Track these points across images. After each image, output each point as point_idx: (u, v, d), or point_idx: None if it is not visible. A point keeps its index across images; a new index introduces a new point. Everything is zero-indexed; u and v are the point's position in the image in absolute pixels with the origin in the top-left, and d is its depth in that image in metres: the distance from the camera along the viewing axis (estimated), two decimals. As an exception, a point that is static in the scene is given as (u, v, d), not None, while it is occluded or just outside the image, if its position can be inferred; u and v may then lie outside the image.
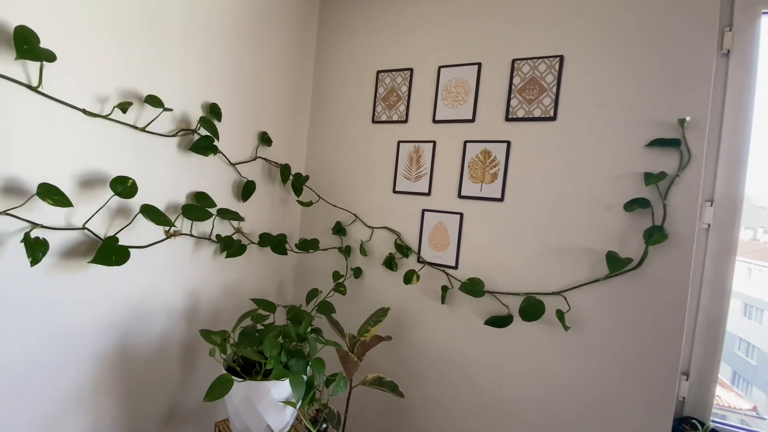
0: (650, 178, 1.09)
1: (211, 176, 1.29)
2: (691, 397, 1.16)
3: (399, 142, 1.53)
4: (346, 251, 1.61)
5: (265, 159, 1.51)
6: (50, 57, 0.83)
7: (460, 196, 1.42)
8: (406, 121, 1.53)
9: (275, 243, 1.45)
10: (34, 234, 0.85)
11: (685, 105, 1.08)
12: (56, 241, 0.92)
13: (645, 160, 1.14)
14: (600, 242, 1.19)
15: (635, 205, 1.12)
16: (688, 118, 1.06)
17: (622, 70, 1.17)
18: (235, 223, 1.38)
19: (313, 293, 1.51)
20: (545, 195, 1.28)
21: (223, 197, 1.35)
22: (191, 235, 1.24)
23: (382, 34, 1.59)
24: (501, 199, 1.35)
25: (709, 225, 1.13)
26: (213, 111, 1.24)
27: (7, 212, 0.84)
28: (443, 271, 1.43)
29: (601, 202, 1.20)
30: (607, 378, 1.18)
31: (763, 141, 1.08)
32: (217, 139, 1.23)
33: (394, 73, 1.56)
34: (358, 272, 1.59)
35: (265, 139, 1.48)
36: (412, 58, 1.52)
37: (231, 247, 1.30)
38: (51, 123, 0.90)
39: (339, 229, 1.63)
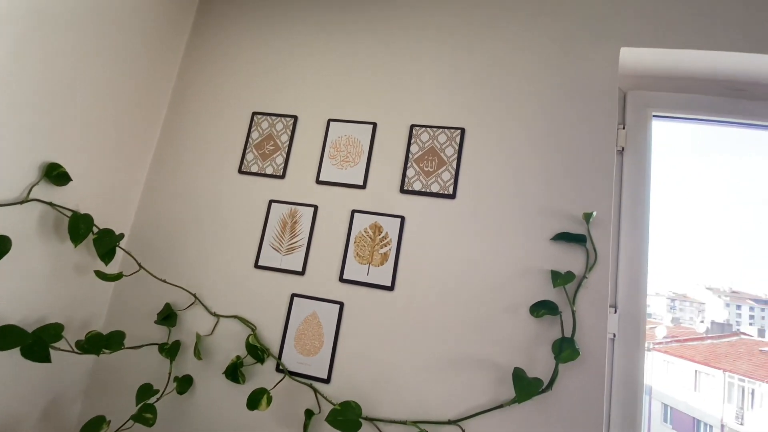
0: (558, 279, 0.92)
1: None
2: None
3: (271, 202, 1.17)
4: (171, 351, 1.08)
5: (49, 203, 0.98)
6: None
7: (341, 280, 1.08)
8: (283, 177, 1.19)
9: (28, 342, 0.86)
10: None
11: (589, 199, 0.99)
12: None
13: (551, 255, 0.98)
14: (505, 353, 0.95)
15: (543, 309, 0.93)
16: (594, 213, 0.96)
17: (527, 153, 1.06)
18: (-54, 308, 0.78)
19: (93, 426, 0.93)
20: (443, 288, 1.02)
21: None
22: None
23: (264, 72, 1.30)
24: (391, 288, 1.05)
25: (614, 335, 0.98)
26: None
27: None
28: (310, 386, 1.02)
29: (505, 301, 0.98)
30: None
31: (659, 238, 1.03)
32: None
33: (274, 117, 1.25)
34: (184, 385, 1.07)
35: (54, 174, 0.97)
36: (299, 104, 1.25)
37: None
38: None
39: (168, 316, 1.12)
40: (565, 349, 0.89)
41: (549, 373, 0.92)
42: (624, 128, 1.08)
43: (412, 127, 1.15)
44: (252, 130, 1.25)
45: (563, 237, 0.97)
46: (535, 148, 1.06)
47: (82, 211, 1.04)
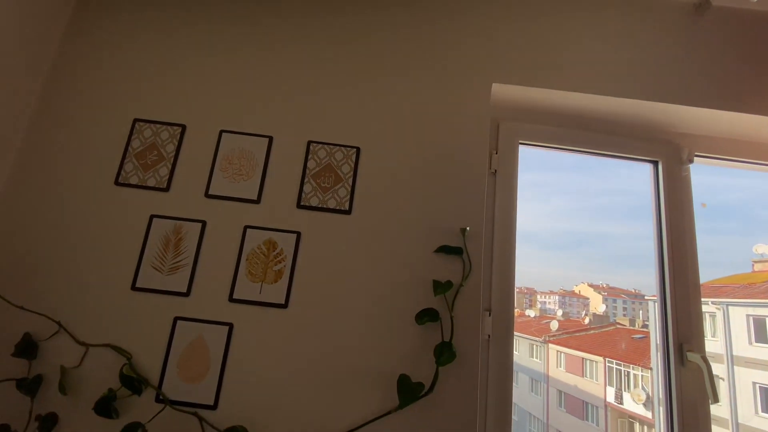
0: (438, 288, 1.01)
1: None
2: None
3: (152, 217, 1.09)
4: (31, 386, 0.94)
5: None
6: None
7: (231, 300, 1.04)
8: (167, 189, 1.11)
9: None
10: None
11: (466, 215, 1.09)
12: None
13: (434, 266, 1.06)
14: (393, 362, 1.01)
15: (425, 317, 1.00)
16: (468, 228, 1.06)
17: (414, 173, 1.14)
18: None
19: None
20: (336, 301, 1.05)
21: None
22: None
23: (148, 76, 1.20)
24: (285, 306, 1.04)
25: (489, 336, 1.10)
26: None
27: None
28: (195, 414, 0.96)
29: (393, 312, 1.04)
30: None
31: (523, 246, 1.18)
32: None
33: (159, 126, 1.16)
34: (48, 424, 0.94)
35: None
36: (187, 113, 1.17)
37: None
38: None
39: (26, 348, 0.98)
40: (444, 353, 0.97)
41: (431, 378, 0.99)
42: (497, 153, 1.22)
43: (309, 143, 1.16)
44: (133, 138, 1.14)
45: (444, 249, 1.05)
46: (420, 168, 1.14)
47: None
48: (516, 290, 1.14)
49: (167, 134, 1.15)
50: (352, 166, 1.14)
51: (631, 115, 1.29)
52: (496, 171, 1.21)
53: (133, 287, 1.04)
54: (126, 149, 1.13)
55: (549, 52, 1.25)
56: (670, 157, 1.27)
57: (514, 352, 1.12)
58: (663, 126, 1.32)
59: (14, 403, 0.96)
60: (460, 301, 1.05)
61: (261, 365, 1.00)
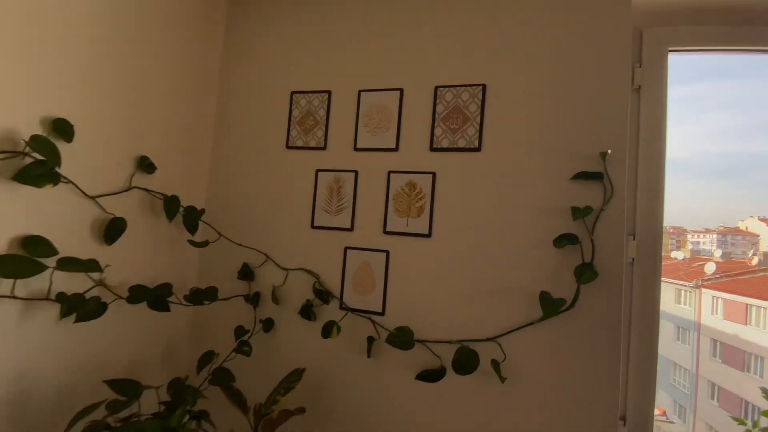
0: (577, 213, 1.04)
1: (52, 214, 0.96)
2: (630, 443, 1.09)
3: (317, 171, 1.35)
4: (253, 299, 1.33)
5: (146, 189, 1.21)
6: None
7: (385, 232, 1.26)
8: (324, 148, 1.35)
9: (153, 297, 1.13)
10: None
11: (606, 138, 1.07)
12: None
13: (571, 193, 1.09)
14: (532, 281, 1.11)
15: (564, 241, 1.06)
16: (609, 152, 1.05)
17: (545, 102, 1.14)
18: (95, 275, 1.05)
19: (206, 358, 1.21)
20: (474, 231, 1.17)
21: (75, 241, 1.01)
22: (14, 297, 0.88)
23: (298, 53, 1.42)
24: (428, 235, 1.21)
25: (633, 259, 1.10)
26: (58, 128, 0.94)
27: None
28: (369, 319, 1.24)
29: (531, 238, 1.12)
30: (548, 429, 1.06)
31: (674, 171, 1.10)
32: (59, 166, 0.92)
33: (310, 95, 1.39)
34: (268, 325, 1.32)
35: (145, 165, 1.18)
36: (330, 80, 1.37)
37: (82, 308, 0.96)
38: None
39: (246, 273, 1.36)
40: (584, 272, 1.03)
41: (572, 295, 1.06)
42: (641, 66, 1.12)
43: (436, 88, 1.25)
44: (293, 108, 1.40)
45: (582, 176, 1.07)
46: (553, 94, 1.13)
47: (168, 193, 1.26)
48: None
49: (318, 101, 1.37)
50: (479, 104, 1.20)
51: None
52: (640, 87, 1.12)
53: (312, 226, 1.33)
54: (289, 118, 1.40)
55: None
56: None
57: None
58: None
59: (244, 312, 1.37)
60: (601, 226, 1.06)
61: (415, 282, 1.21)
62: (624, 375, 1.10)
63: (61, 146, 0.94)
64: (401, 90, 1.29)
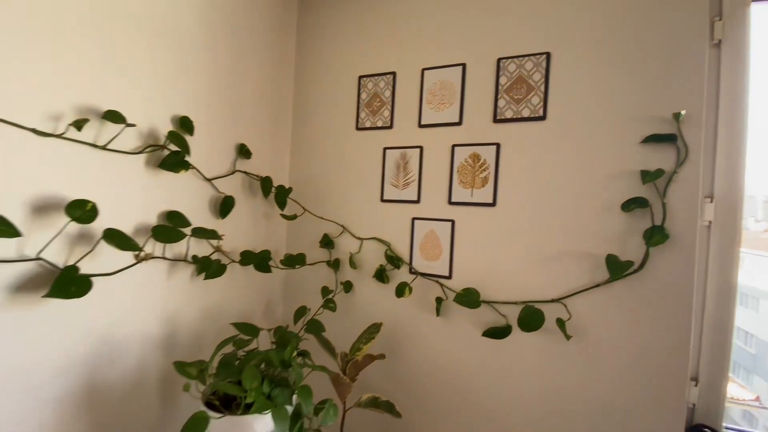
0: (647, 176, 1.04)
1: (184, 193, 1.21)
2: (701, 404, 1.10)
3: (385, 149, 1.47)
4: (334, 265, 1.53)
5: (245, 172, 1.43)
6: (-10, 73, 0.75)
7: (450, 203, 1.35)
8: (391, 127, 1.47)
9: (258, 261, 1.37)
10: (-21, 269, 0.76)
11: (680, 99, 1.04)
12: (6, 274, 0.83)
13: (641, 157, 1.09)
14: (599, 245, 1.14)
15: (633, 205, 1.07)
16: (683, 112, 1.02)
17: (612, 65, 1.13)
18: (214, 242, 1.30)
19: (300, 311, 1.43)
20: (538, 198, 1.22)
21: (199, 215, 1.26)
22: (164, 258, 1.15)
23: (363, 38, 1.53)
24: (493, 204, 1.29)
25: (710, 222, 1.08)
26: (183, 124, 1.17)
27: (-53, 246, 0.75)
28: (437, 282, 1.36)
29: (597, 203, 1.14)
30: (613, 388, 1.12)
31: (758, 131, 1.04)
32: (189, 154, 1.15)
33: (376, 77, 1.50)
34: (348, 286, 1.51)
35: (243, 151, 1.40)
36: (394, 61, 1.47)
37: (209, 268, 1.21)
38: (-2, 145, 0.81)
39: (327, 242, 1.56)
40: (654, 235, 1.04)
41: (640, 258, 1.08)
42: (720, 19, 1.05)
43: (498, 60, 1.28)
44: (361, 91, 1.53)
45: (653, 139, 1.06)
46: (622, 55, 1.11)
47: (262, 175, 1.48)
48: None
49: (383, 83, 1.48)
50: (543, 73, 1.22)
51: None
52: (720, 42, 1.06)
53: (382, 200, 1.47)
54: (358, 101, 1.53)
55: None
56: None
57: (740, 272, 1.06)
58: None
59: (326, 275, 1.57)
60: (674, 188, 1.05)
61: (480, 248, 1.30)
62: (698, 337, 1.11)
63: (186, 139, 1.17)
64: (464, 65, 1.34)
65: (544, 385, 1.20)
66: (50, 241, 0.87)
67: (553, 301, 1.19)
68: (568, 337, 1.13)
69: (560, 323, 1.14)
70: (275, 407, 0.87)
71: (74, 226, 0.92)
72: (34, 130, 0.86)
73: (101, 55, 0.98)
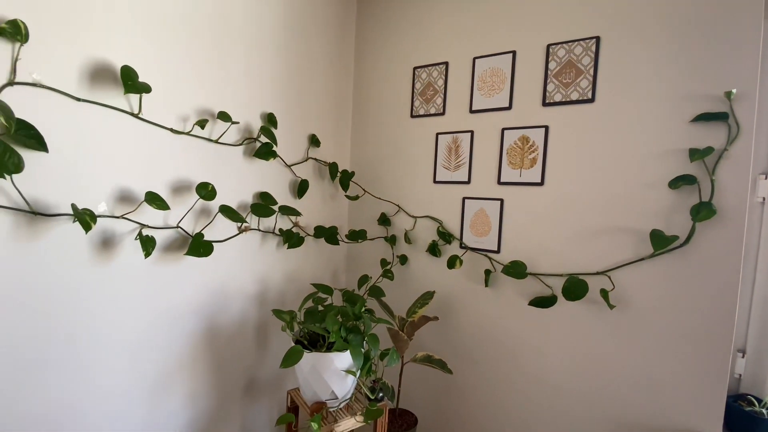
0: (695, 154, 1.08)
1: (271, 178, 1.47)
2: (748, 374, 1.14)
3: (437, 134, 1.61)
4: (391, 240, 1.73)
5: (315, 159, 1.66)
6: (147, 89, 1.02)
7: (499, 183, 1.47)
8: (443, 114, 1.60)
9: (328, 234, 1.60)
10: (144, 233, 1.06)
11: (732, 76, 1.05)
12: (158, 238, 1.14)
13: (690, 136, 1.12)
14: (644, 221, 1.20)
15: (680, 182, 1.11)
16: (734, 90, 1.04)
17: (662, 46, 1.15)
18: (293, 218, 1.55)
19: (363, 279, 1.66)
20: (586, 177, 1.29)
21: (283, 195, 1.52)
22: (258, 230, 1.42)
23: (417, 30, 1.66)
24: (541, 184, 1.38)
25: (764, 198, 1.09)
26: (270, 120, 1.41)
27: (124, 216, 1.05)
28: (486, 255, 1.50)
29: (643, 181, 1.19)
30: (656, 356, 1.19)
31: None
32: (276, 145, 1.39)
33: (429, 68, 1.63)
34: (403, 259, 1.70)
35: (314, 140, 1.63)
36: (447, 51, 1.58)
37: (291, 239, 1.47)
38: (148, 142, 1.10)
39: (384, 220, 1.75)
40: (702, 210, 1.08)
41: (686, 234, 1.13)
42: (783, -7, 1.03)
43: (548, 46, 1.35)
44: (415, 81, 1.67)
45: (703, 117, 1.08)
46: (672, 35, 1.13)
47: (329, 161, 1.70)
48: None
49: (437, 72, 1.61)
50: (593, 56, 1.27)
51: None
52: (783, 16, 1.04)
53: (434, 181, 1.62)
54: (412, 91, 1.68)
55: None
56: None
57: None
58: None
59: (384, 250, 1.77)
60: (723, 165, 1.08)
61: (528, 225, 1.41)
62: (746, 311, 1.14)
63: (273, 132, 1.42)
64: (513, 52, 1.43)
65: (586, 350, 1.30)
66: (186, 214, 1.16)
67: (597, 273, 1.27)
68: (611, 307, 1.22)
69: (604, 293, 1.22)
70: (353, 347, 1.10)
71: (199, 203, 1.20)
72: (171, 130, 1.14)
73: (215, 67, 1.24)
